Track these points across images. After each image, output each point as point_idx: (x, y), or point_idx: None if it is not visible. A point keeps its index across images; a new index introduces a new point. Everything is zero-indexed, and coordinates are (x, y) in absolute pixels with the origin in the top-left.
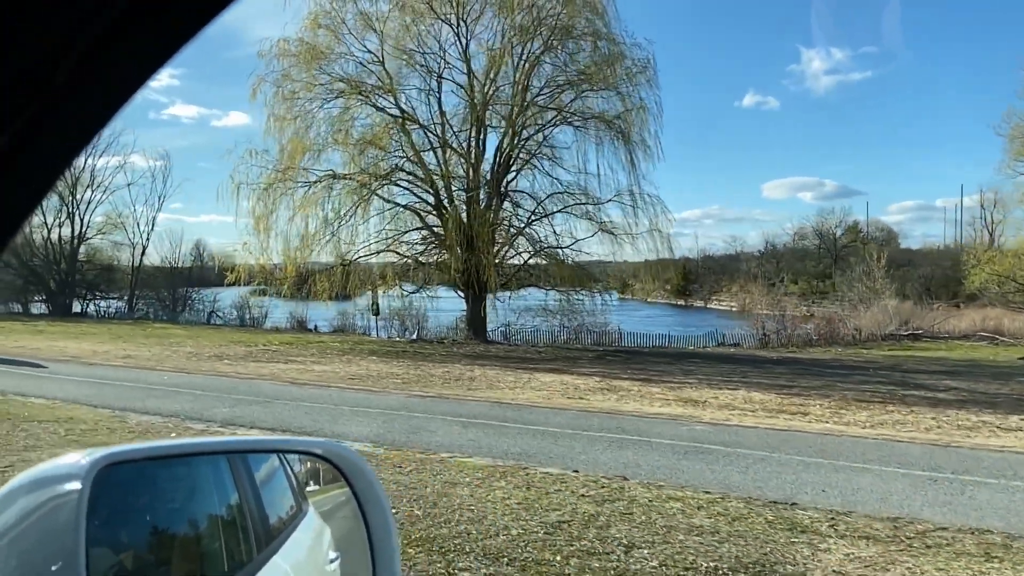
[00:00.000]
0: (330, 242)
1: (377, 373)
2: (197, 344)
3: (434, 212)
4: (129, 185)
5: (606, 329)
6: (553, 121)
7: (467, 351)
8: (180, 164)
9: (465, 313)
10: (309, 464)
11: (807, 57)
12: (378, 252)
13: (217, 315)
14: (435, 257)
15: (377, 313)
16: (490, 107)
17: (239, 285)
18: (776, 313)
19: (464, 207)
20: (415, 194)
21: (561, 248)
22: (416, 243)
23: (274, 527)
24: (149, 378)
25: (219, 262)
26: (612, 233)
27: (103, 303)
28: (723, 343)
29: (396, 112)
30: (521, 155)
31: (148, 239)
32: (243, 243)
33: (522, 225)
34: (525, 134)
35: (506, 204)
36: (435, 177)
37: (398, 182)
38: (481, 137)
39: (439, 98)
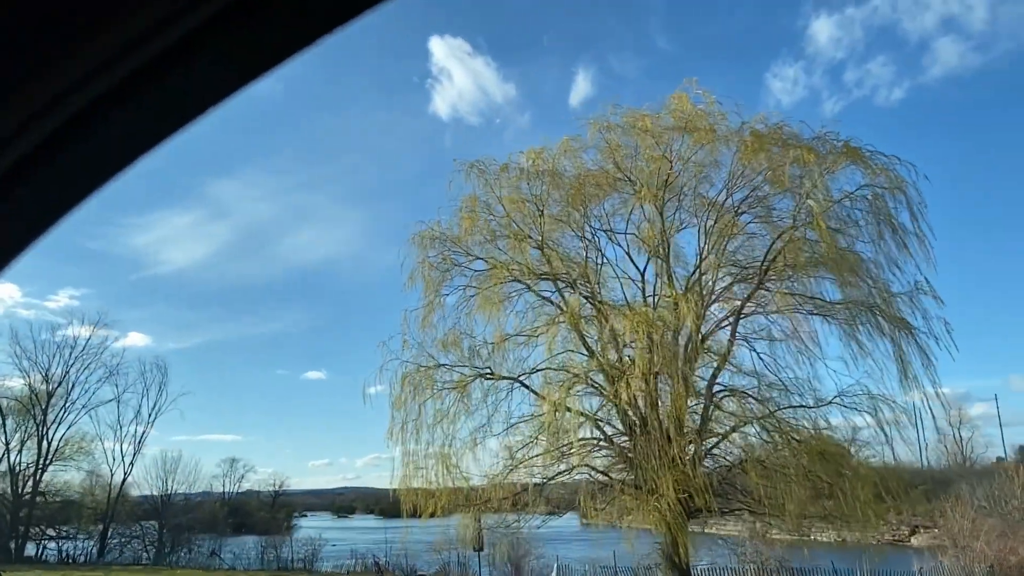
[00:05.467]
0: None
1: None
2: None
3: (615, 421)
4: (117, 400)
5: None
6: (777, 308)
7: None
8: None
9: (661, 547)
10: None
11: None
12: (572, 469)
13: (218, 556)
14: (624, 474)
15: (481, 548)
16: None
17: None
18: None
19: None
20: (602, 393)
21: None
22: (600, 457)
23: None
24: None
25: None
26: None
27: (65, 543)
28: None
29: (560, 302)
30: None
31: (132, 464)
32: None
33: (726, 431)
34: (742, 321)
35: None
36: (615, 372)
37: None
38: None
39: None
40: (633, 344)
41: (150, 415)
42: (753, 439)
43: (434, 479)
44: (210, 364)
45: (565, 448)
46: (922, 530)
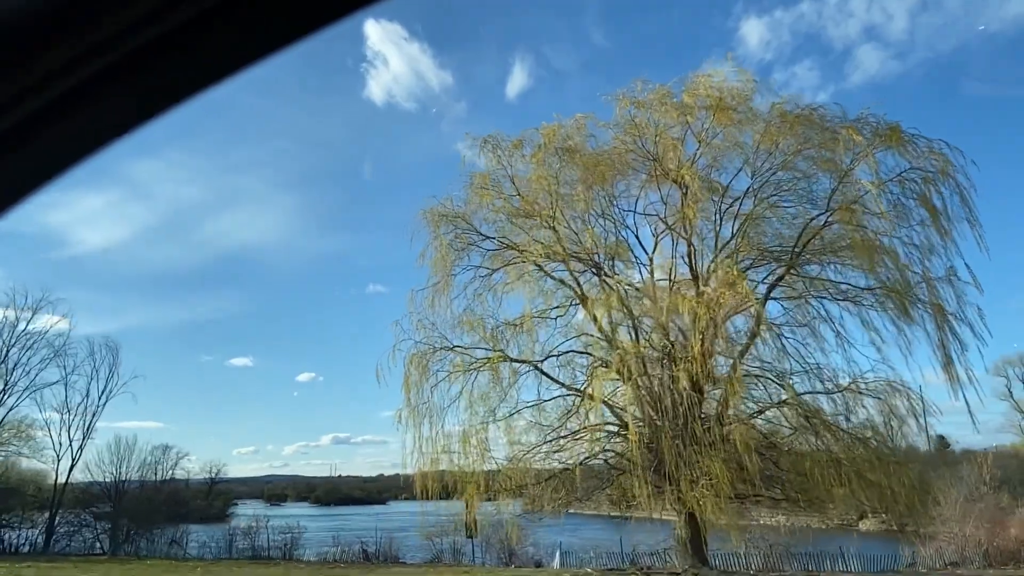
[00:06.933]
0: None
1: None
2: None
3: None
4: (65, 382)
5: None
6: (806, 292)
7: None
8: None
9: (678, 532)
10: None
11: None
12: (593, 455)
13: (179, 545)
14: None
15: (474, 534)
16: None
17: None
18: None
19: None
20: (625, 378)
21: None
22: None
23: None
24: None
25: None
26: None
27: (7, 532)
28: (912, 564)
29: (574, 284)
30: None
31: (81, 450)
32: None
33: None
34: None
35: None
36: (631, 360)
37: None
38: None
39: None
40: (654, 326)
41: (100, 398)
42: (787, 425)
43: (463, 462)
44: (129, 350)
45: (592, 431)
46: (871, 515)
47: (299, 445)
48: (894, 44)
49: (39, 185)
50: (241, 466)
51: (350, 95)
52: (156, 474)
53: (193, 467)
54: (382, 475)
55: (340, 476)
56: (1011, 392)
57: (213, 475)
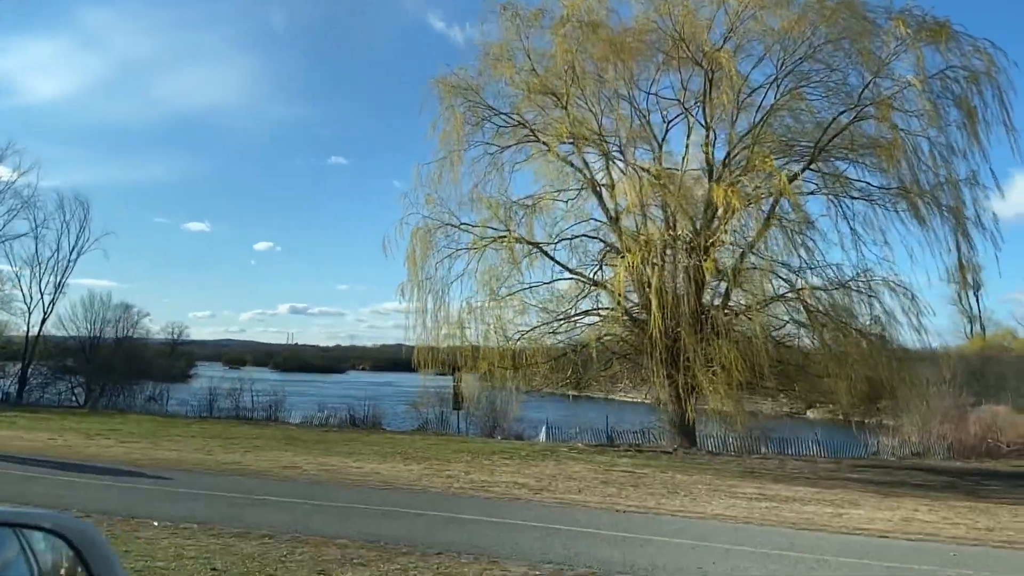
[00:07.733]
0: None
1: None
2: (414, 454)
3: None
4: (35, 234)
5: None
6: (827, 189)
7: (770, 468)
8: None
9: (669, 414)
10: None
11: None
12: (600, 337)
13: (156, 400)
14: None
15: (460, 407)
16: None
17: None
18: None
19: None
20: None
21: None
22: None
23: None
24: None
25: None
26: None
27: None
28: (876, 453)
29: (584, 168)
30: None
31: (53, 304)
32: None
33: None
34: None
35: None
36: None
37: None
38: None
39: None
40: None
41: (71, 254)
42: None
43: (469, 335)
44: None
45: (608, 315)
46: (818, 405)
47: (256, 312)
48: None
49: None
50: (198, 329)
51: None
52: (117, 332)
53: (154, 327)
54: (339, 345)
55: (297, 344)
56: (961, 299)
57: (175, 336)
